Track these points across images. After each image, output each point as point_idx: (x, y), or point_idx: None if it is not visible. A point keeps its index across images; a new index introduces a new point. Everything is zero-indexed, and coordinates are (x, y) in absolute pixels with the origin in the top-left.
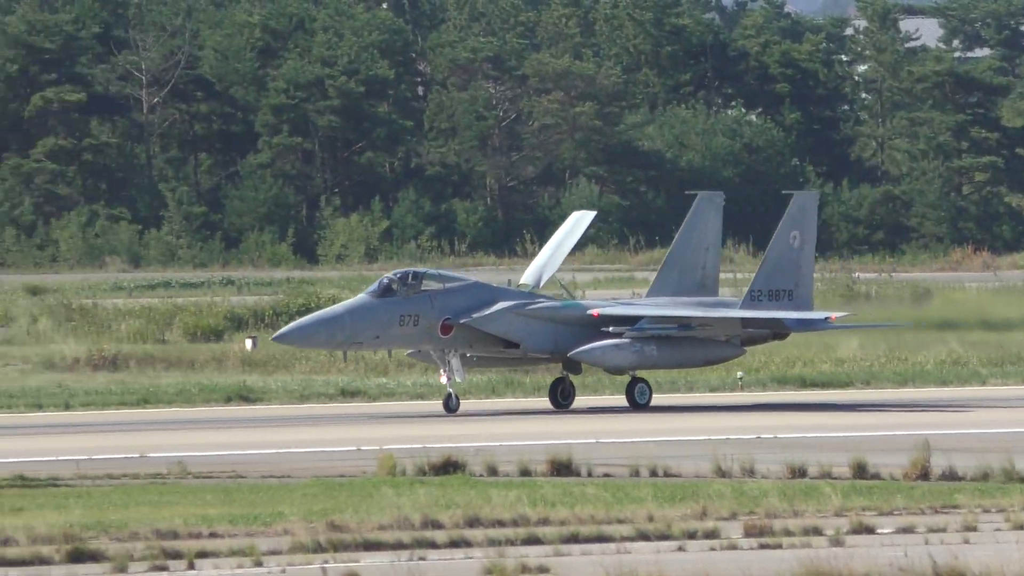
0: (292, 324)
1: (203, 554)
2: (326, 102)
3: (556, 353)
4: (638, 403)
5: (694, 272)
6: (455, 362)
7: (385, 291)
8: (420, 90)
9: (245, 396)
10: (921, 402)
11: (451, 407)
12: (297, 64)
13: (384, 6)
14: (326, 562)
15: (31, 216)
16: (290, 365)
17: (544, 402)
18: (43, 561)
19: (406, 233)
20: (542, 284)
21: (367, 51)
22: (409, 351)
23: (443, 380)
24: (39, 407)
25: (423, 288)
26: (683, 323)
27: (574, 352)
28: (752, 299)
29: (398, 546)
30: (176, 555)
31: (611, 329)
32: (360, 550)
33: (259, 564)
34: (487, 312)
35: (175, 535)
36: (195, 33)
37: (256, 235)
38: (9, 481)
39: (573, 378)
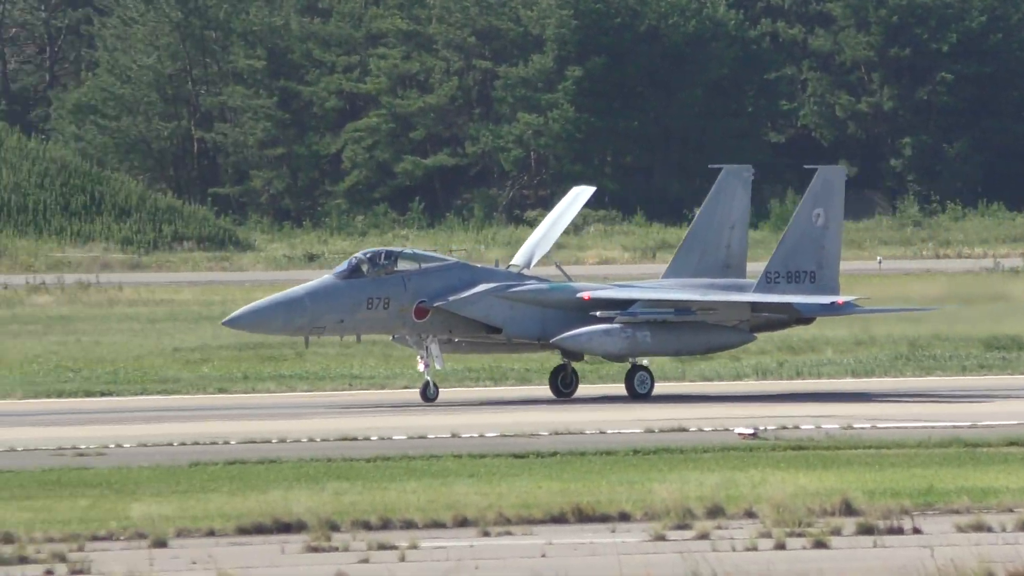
0: (246, 307)
1: None
2: None
3: (543, 338)
4: (638, 393)
5: (717, 252)
6: (434, 348)
7: (353, 272)
8: None
9: None
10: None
11: (429, 396)
12: None
13: None
14: None
15: None
16: None
17: None
18: None
19: None
20: (533, 265)
21: None
22: (393, 337)
23: (420, 368)
24: None
25: (396, 269)
26: (681, 307)
27: (557, 338)
28: (768, 281)
29: None
30: None
31: (598, 314)
32: None
33: None
34: (465, 295)
35: None
36: None
37: None
38: None
39: (576, 365)
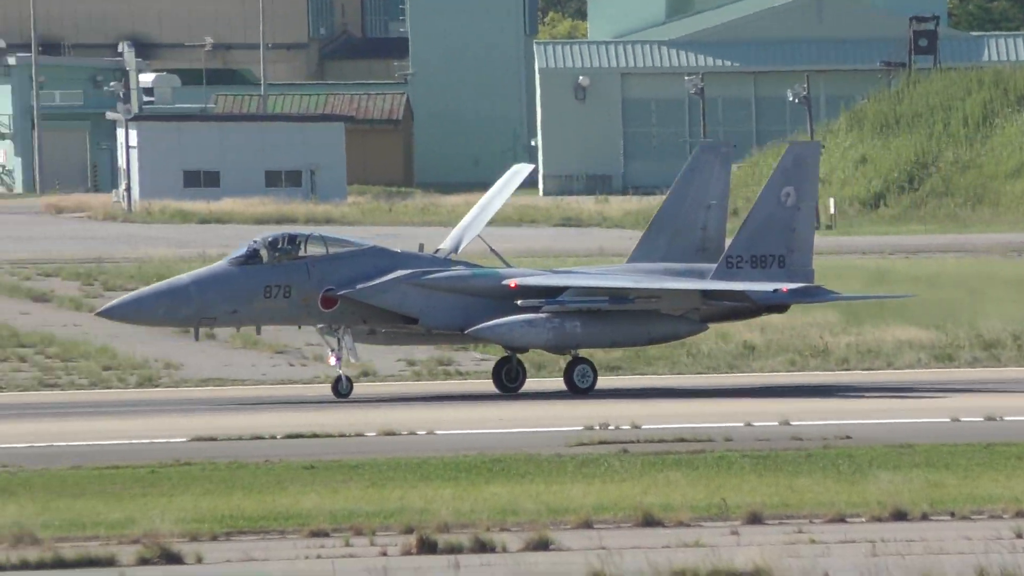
0: (125, 296)
1: None
2: None
3: (467, 329)
4: (578, 387)
5: (691, 234)
6: (347, 340)
7: (250, 258)
8: None
9: None
10: None
11: (341, 391)
12: None
13: None
14: None
15: None
16: None
17: None
18: None
19: None
20: (461, 249)
21: None
22: (322, 327)
23: (332, 362)
24: None
25: (300, 255)
26: (616, 295)
27: (474, 328)
28: (729, 266)
29: None
30: None
31: (519, 302)
32: None
33: None
34: (375, 282)
35: None
36: None
37: None
38: None
39: (522, 357)
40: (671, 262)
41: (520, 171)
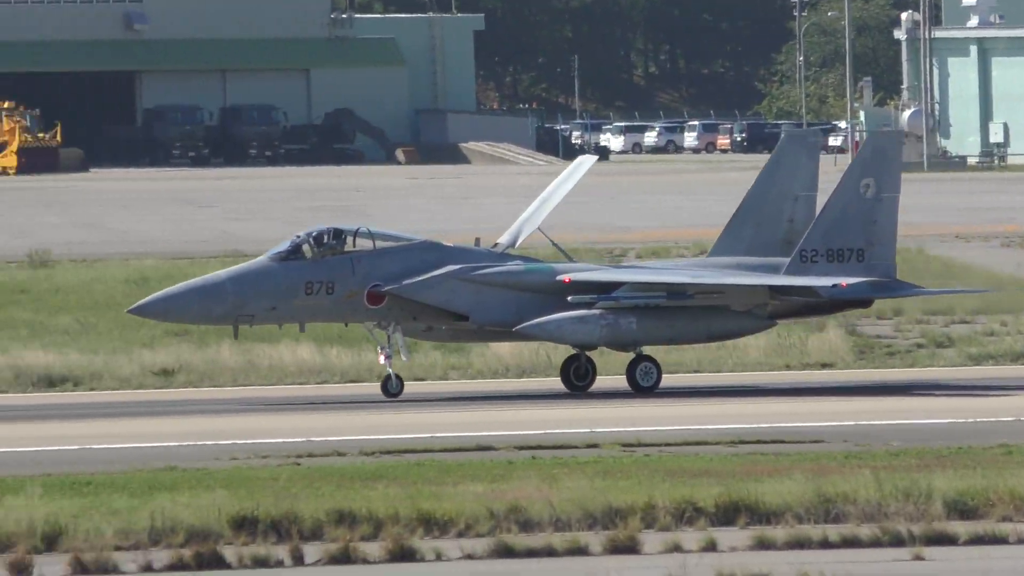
0: (158, 293)
1: None
2: None
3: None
4: (641, 386)
5: (777, 226)
6: (398, 337)
7: (291, 253)
8: None
9: None
10: None
11: (391, 390)
12: None
13: None
14: None
15: None
16: None
17: None
18: None
19: None
20: (519, 243)
21: None
22: (371, 324)
23: (381, 360)
24: None
25: (345, 250)
26: (675, 291)
27: (522, 325)
28: (803, 260)
29: None
30: None
31: (570, 299)
32: None
33: None
34: (421, 278)
35: None
36: None
37: None
38: None
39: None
40: (754, 255)
41: (583, 163)
